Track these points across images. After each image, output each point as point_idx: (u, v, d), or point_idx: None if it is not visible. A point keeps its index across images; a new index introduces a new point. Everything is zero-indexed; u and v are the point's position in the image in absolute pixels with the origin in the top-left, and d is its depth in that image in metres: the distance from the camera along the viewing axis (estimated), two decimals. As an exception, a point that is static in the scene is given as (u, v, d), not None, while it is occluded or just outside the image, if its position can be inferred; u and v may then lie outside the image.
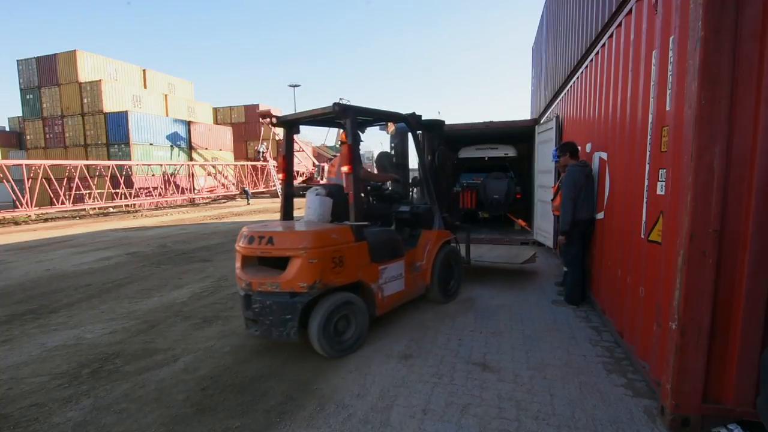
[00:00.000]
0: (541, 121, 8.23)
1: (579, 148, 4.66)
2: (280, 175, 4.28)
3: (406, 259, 4.12)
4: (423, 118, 4.70)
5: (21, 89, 22.95)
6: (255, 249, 3.36)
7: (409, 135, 4.89)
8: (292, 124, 4.25)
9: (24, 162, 17.45)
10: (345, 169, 3.56)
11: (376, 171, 5.32)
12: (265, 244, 3.31)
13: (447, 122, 5.72)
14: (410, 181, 5.30)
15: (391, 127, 4.31)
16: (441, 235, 4.63)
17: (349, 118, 3.60)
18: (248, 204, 22.72)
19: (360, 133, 4.30)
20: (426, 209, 4.60)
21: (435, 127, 5.13)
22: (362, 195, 4.10)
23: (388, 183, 5.18)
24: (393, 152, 5.48)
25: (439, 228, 4.62)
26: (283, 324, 3.20)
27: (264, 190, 28.49)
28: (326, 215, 3.75)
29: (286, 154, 4.28)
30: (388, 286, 3.84)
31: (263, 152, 28.86)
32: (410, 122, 4.48)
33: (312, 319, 3.23)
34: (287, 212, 4.27)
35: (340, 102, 3.79)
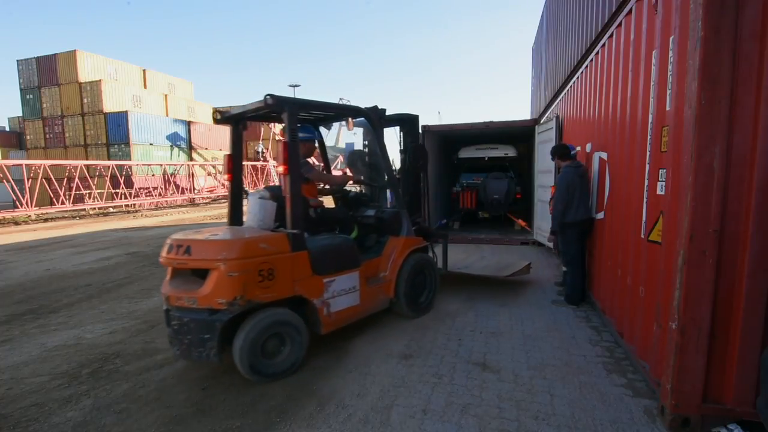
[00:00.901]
0: (541, 121, 8.23)
1: (570, 149, 4.76)
2: (226, 176, 3.89)
3: (364, 270, 3.72)
4: (422, 119, 4.60)
5: (21, 89, 22.97)
6: (172, 259, 2.98)
7: (408, 134, 4.72)
8: (236, 121, 3.85)
9: (24, 162, 17.45)
10: (281, 169, 3.20)
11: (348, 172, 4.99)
12: (182, 254, 2.92)
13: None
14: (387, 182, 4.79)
15: (351, 123, 3.94)
16: (409, 243, 4.16)
17: (286, 113, 3.23)
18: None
19: (326, 129, 4.16)
20: (392, 214, 4.18)
21: (407, 122, 4.76)
22: (311, 199, 3.75)
23: (358, 185, 4.81)
24: (366, 150, 5.05)
25: (407, 234, 4.17)
26: (202, 344, 2.83)
27: (263, 188, 28.47)
28: (268, 221, 3.35)
29: (232, 153, 3.83)
30: (337, 300, 3.42)
31: (262, 152, 28.85)
32: (371, 117, 4.04)
33: (236, 339, 2.87)
34: (235, 217, 3.86)
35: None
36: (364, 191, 4.93)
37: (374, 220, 4.23)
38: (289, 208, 3.19)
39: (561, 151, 4.70)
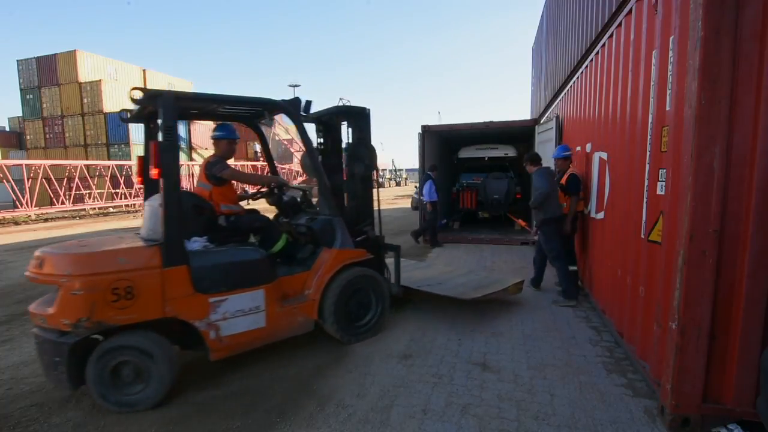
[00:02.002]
0: (541, 121, 8.24)
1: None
2: (137, 179, 3.61)
3: (279, 287, 3.27)
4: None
5: (21, 89, 22.94)
6: (30, 273, 2.68)
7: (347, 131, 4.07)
8: (146, 120, 3.49)
9: (24, 162, 17.45)
10: (153, 173, 2.79)
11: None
12: (37, 268, 2.64)
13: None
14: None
15: (280, 120, 3.71)
16: (342, 256, 3.57)
17: (161, 108, 2.86)
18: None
19: (267, 126, 3.68)
20: (324, 222, 3.66)
21: (354, 116, 4.08)
22: (223, 204, 3.38)
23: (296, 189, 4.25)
24: (321, 149, 4.34)
25: (342, 246, 3.61)
26: (54, 367, 2.56)
27: (264, 190, 28.47)
28: (158, 230, 2.87)
29: (145, 154, 3.33)
30: (231, 323, 2.96)
31: (261, 152, 28.86)
32: (288, 111, 3.51)
33: (88, 365, 2.58)
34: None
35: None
36: (305, 194, 4.33)
37: (305, 228, 3.76)
38: (164, 216, 2.77)
39: (534, 158, 5.10)
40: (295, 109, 3.52)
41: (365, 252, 3.79)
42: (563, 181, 4.91)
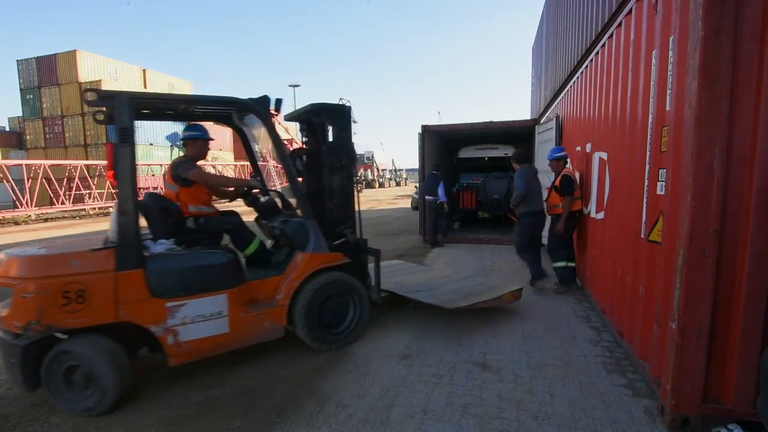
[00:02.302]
0: (541, 121, 8.24)
1: (524, 154, 5.78)
2: (111, 181, 3.33)
3: (247, 292, 3.21)
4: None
5: (21, 89, 22.95)
6: None
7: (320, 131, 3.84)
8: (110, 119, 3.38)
9: (24, 162, 17.47)
10: (108, 174, 2.78)
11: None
12: (1, 270, 2.67)
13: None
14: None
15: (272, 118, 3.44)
16: (314, 260, 3.42)
17: (116, 109, 2.80)
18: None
19: (246, 126, 3.58)
20: (296, 225, 3.53)
21: (333, 114, 3.83)
22: (191, 206, 3.32)
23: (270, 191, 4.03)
24: (306, 149, 4.12)
25: (316, 250, 3.46)
26: (11, 369, 2.60)
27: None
28: None
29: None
30: (191, 328, 2.89)
31: (261, 152, 28.82)
32: (256, 110, 3.34)
33: (42, 368, 2.61)
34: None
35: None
36: (281, 196, 4.23)
37: (279, 231, 3.66)
38: (118, 219, 2.76)
39: (519, 157, 5.59)
40: (263, 108, 3.34)
41: (341, 256, 3.61)
42: (557, 182, 4.93)
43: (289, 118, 4.26)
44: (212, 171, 26.87)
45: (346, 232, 3.80)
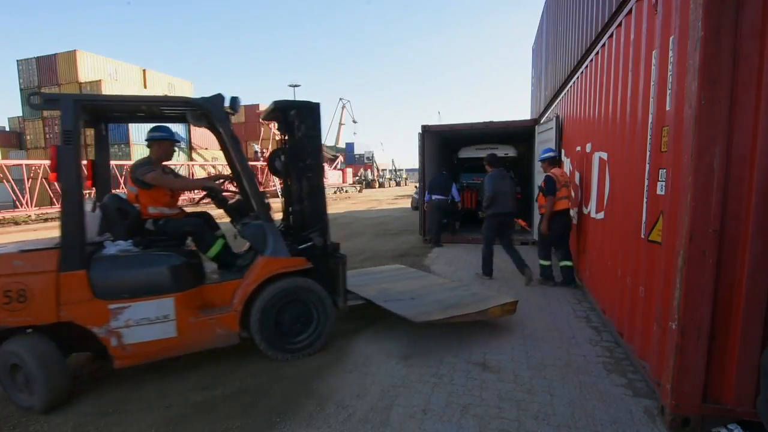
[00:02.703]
0: (541, 121, 8.24)
1: (496, 157, 6.03)
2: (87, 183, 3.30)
3: (195, 296, 3.12)
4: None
5: (21, 89, 22.98)
6: None
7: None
8: (95, 121, 3.52)
9: (24, 162, 17.45)
10: (51, 176, 2.80)
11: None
12: None
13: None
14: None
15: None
16: (271, 265, 3.27)
17: (62, 111, 2.79)
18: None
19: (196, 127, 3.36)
20: (255, 227, 3.40)
21: (300, 110, 3.58)
22: (151, 207, 3.34)
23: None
24: (284, 148, 3.84)
25: (274, 254, 3.29)
26: None
27: (264, 190, 28.45)
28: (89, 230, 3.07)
29: (96, 157, 3.45)
30: (135, 331, 2.87)
31: (262, 153, 28.82)
32: (207, 109, 3.20)
33: None
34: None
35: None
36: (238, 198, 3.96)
37: (239, 234, 3.58)
38: (60, 220, 2.81)
39: (491, 160, 5.89)
40: (215, 108, 3.18)
41: (303, 261, 3.41)
42: (542, 183, 5.17)
43: (264, 117, 4.13)
44: (212, 170, 26.91)
45: (313, 236, 3.57)
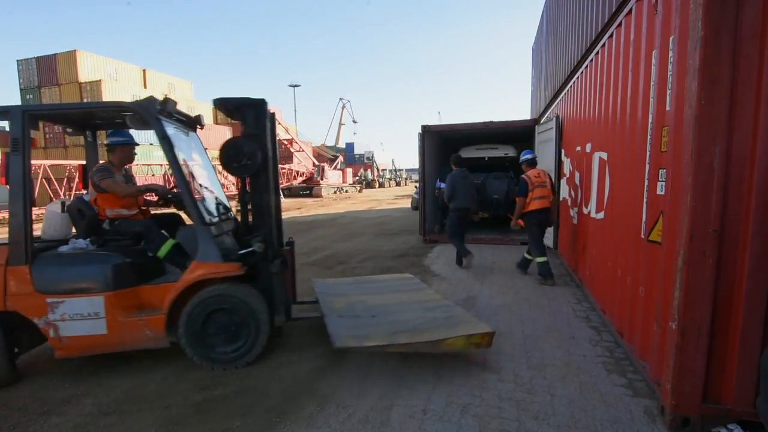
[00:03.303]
0: (541, 121, 8.24)
1: (461, 158, 6.57)
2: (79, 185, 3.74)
3: (127, 296, 3.18)
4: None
5: (21, 89, 22.95)
6: None
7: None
8: (82, 127, 3.82)
9: (24, 162, 17.44)
10: (1, 180, 3.00)
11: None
12: None
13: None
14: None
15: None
16: (199, 270, 3.19)
17: (11, 121, 3.01)
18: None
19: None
20: (189, 231, 3.43)
21: (245, 109, 3.43)
22: (108, 209, 3.48)
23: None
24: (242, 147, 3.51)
25: (204, 258, 3.20)
26: None
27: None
28: (48, 231, 3.49)
29: (87, 163, 3.67)
30: (70, 325, 3.04)
31: None
32: (138, 112, 3.23)
33: None
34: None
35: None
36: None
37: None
38: (9, 220, 3.02)
39: (455, 160, 6.47)
40: (146, 111, 3.18)
41: (234, 267, 3.24)
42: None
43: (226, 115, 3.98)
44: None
45: (254, 242, 3.35)
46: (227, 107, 3.48)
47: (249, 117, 3.42)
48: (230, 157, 3.35)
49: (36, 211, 14.00)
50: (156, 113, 3.22)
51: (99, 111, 3.64)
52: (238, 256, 3.33)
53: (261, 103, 3.44)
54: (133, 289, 3.22)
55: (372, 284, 4.69)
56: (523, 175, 5.58)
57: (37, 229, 3.31)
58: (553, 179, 5.76)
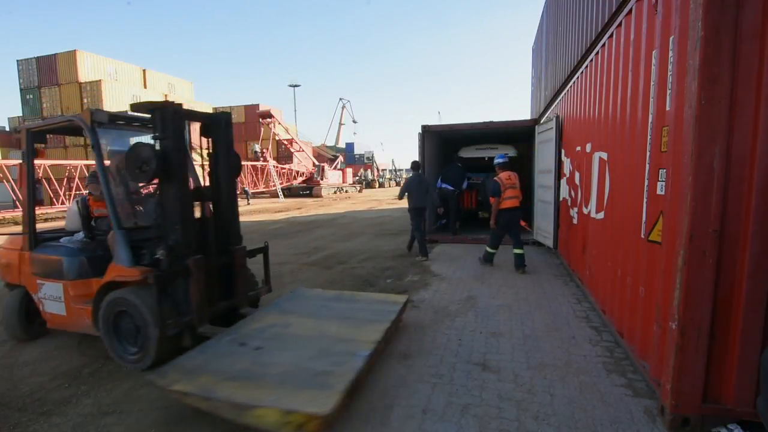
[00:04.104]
0: (541, 121, 8.23)
1: (417, 164, 7.63)
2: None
3: (81, 286, 3.59)
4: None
5: (21, 89, 22.97)
6: None
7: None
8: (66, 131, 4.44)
9: (24, 162, 17.43)
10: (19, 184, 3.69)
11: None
12: None
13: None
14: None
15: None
16: (110, 271, 3.36)
17: (23, 140, 3.78)
18: (248, 204, 22.72)
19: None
20: (112, 233, 3.50)
21: (155, 112, 3.30)
22: (96, 209, 3.97)
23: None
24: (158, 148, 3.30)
25: (117, 261, 3.34)
26: None
27: (264, 190, 28.52)
28: (68, 224, 4.31)
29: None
30: (48, 303, 3.76)
31: (261, 152, 28.81)
32: (80, 123, 3.48)
33: None
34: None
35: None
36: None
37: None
38: (22, 216, 3.97)
39: (413, 166, 7.57)
40: (82, 121, 3.46)
41: (132, 272, 3.26)
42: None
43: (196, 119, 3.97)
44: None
45: (174, 246, 3.27)
46: (141, 111, 3.45)
47: (156, 121, 3.29)
48: (131, 163, 3.24)
49: (39, 211, 13.98)
50: (89, 123, 3.45)
51: (54, 126, 3.99)
52: (151, 261, 3.39)
53: (166, 107, 3.31)
54: (86, 280, 3.64)
55: (342, 303, 4.11)
56: (495, 178, 6.13)
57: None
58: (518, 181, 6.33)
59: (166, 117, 3.27)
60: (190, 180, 3.68)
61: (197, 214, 3.66)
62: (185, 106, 3.50)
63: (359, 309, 3.90)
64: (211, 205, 3.81)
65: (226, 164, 3.76)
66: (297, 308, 3.94)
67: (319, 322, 3.56)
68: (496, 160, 6.37)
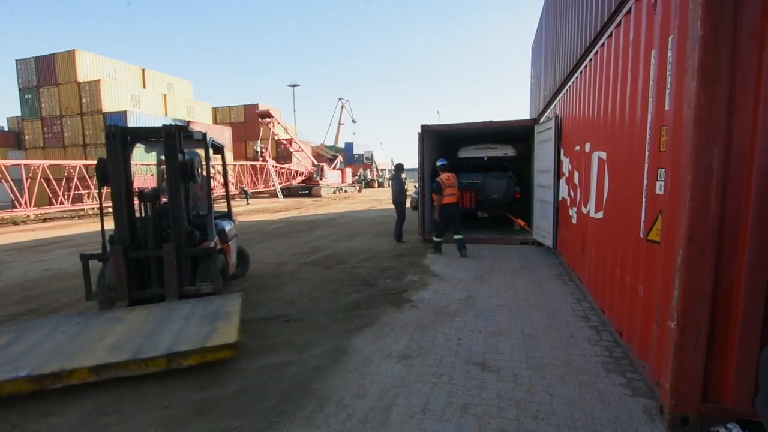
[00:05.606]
0: (541, 121, 8.24)
1: (400, 167, 9.21)
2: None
3: None
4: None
5: (20, 89, 22.90)
6: None
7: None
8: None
9: (23, 162, 17.41)
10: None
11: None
12: None
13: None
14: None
15: None
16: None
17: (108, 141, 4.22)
18: (247, 204, 22.70)
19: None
20: None
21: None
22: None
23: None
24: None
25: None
26: None
27: (263, 189, 28.50)
28: None
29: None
30: None
31: (261, 152, 28.79)
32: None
33: None
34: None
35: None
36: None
37: None
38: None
39: (396, 167, 9.31)
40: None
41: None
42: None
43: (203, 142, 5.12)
44: (211, 170, 26.80)
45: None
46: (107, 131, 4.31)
47: (108, 138, 4.29)
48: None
49: (38, 211, 13.79)
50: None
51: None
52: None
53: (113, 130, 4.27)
54: None
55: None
56: (437, 178, 7.35)
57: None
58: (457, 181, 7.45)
59: (116, 134, 4.26)
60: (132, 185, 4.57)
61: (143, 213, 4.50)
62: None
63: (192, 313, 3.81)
64: (148, 206, 4.49)
65: (170, 171, 4.40)
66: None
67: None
68: (439, 163, 7.61)
